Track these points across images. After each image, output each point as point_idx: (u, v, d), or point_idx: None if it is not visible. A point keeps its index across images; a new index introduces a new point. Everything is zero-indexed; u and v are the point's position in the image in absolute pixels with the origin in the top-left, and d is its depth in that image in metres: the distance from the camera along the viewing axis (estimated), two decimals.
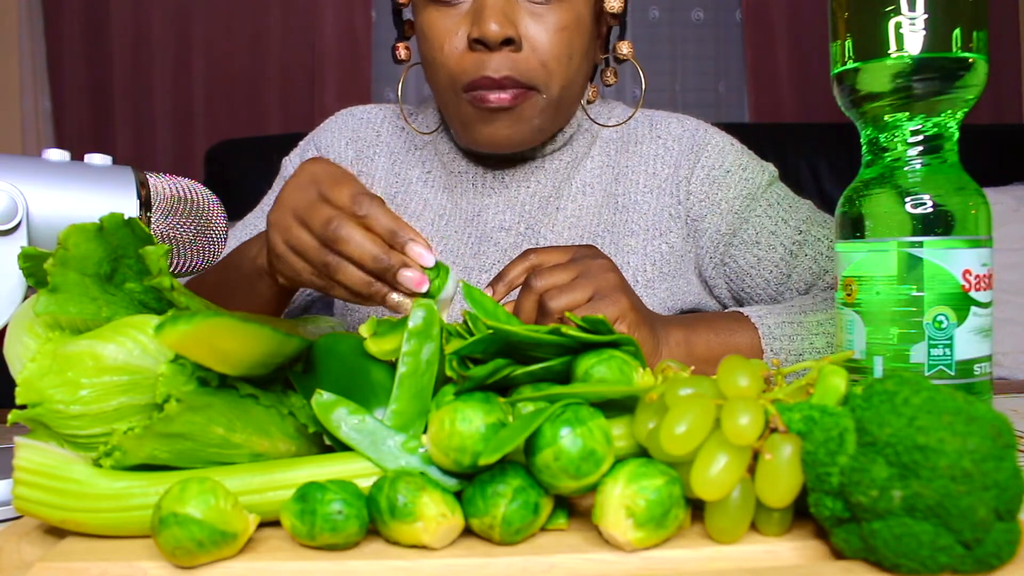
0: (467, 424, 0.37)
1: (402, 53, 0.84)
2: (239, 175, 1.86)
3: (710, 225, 0.84)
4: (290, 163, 0.94)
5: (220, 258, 0.60)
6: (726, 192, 0.84)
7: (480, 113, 0.76)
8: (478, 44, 0.73)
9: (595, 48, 0.83)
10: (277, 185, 0.92)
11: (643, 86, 0.83)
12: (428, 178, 0.89)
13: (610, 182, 0.86)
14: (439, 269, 0.53)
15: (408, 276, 0.52)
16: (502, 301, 0.63)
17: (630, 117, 0.87)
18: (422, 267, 0.53)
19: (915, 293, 0.46)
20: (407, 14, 0.84)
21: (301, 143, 0.95)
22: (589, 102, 0.88)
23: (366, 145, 0.91)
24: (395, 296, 0.54)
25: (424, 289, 0.52)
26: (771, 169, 0.87)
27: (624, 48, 0.83)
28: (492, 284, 0.64)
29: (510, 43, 0.73)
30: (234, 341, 0.37)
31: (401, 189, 0.89)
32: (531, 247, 0.64)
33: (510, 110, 0.76)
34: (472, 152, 0.87)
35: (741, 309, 0.75)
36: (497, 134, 0.77)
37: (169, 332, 0.35)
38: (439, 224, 0.87)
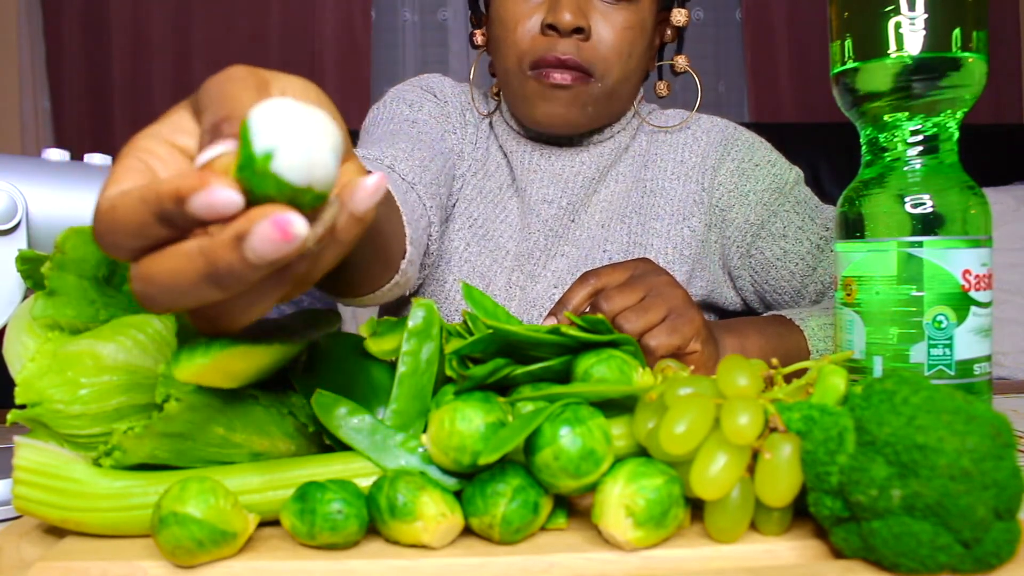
0: (467, 423, 0.37)
1: (479, 39, 0.92)
2: None
3: (737, 215, 0.88)
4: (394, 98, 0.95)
5: None
6: (754, 184, 0.88)
7: (542, 90, 0.82)
8: (550, 30, 0.80)
9: (649, 56, 0.90)
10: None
11: (699, 94, 0.91)
12: (490, 146, 0.95)
13: (640, 168, 0.92)
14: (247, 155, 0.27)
15: (207, 201, 0.27)
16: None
17: (685, 121, 0.93)
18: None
19: (915, 293, 0.46)
20: (482, 6, 0.92)
21: (406, 82, 0.96)
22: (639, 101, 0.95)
23: (465, 108, 0.96)
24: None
25: (233, 199, 0.27)
26: (797, 170, 0.91)
27: (681, 61, 0.92)
28: (554, 312, 0.62)
29: (580, 32, 0.80)
30: (247, 362, 0.36)
31: (483, 147, 0.94)
32: (589, 270, 0.64)
33: (568, 89, 0.81)
34: (525, 137, 0.92)
35: (781, 312, 0.77)
36: (554, 112, 0.83)
37: (186, 367, 0.34)
38: (499, 192, 0.92)
